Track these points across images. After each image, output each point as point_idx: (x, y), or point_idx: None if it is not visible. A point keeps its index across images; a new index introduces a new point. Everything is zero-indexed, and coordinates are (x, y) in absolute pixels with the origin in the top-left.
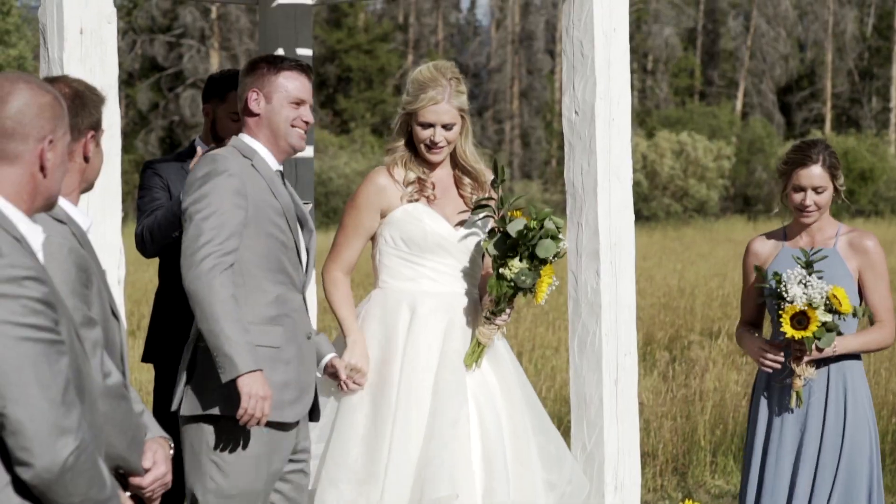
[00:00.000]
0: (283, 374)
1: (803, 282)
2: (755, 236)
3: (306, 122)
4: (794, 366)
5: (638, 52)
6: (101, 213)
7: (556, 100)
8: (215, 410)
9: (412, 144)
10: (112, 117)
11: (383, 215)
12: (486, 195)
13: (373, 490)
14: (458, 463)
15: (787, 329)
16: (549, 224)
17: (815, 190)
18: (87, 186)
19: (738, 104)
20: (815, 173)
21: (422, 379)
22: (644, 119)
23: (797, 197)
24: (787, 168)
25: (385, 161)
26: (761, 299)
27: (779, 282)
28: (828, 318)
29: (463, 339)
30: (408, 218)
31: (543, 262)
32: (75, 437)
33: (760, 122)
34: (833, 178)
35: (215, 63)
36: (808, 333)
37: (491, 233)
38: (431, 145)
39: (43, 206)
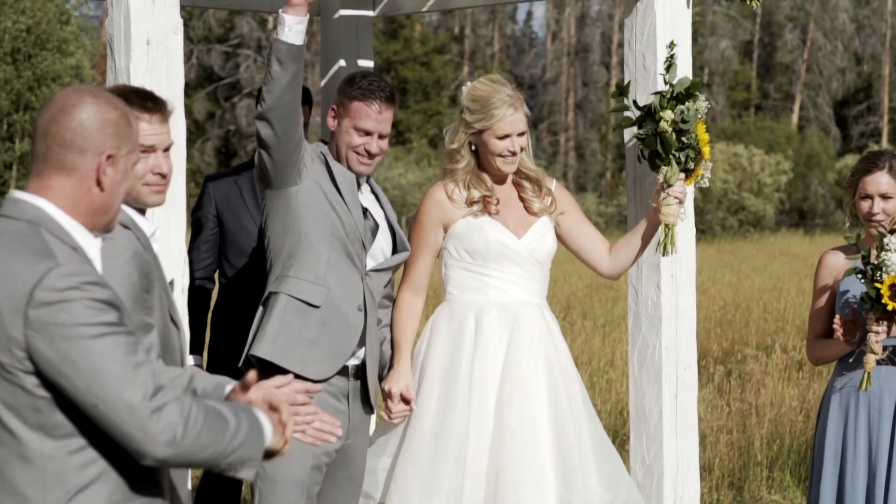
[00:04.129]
0: (315, 333)
1: None
2: (829, 249)
3: (368, 152)
4: (871, 341)
5: (694, 65)
6: (166, 220)
7: (611, 111)
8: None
9: (473, 162)
10: (178, 127)
11: (445, 229)
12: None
13: (444, 502)
14: (525, 476)
15: (888, 300)
16: (682, 78)
17: (883, 197)
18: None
19: (795, 117)
20: (881, 180)
21: (489, 393)
22: None
23: (865, 205)
24: (854, 178)
25: (445, 182)
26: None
27: (879, 248)
28: None
29: (528, 348)
30: (470, 229)
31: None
32: (172, 410)
33: (817, 135)
34: None
35: None
36: None
37: (629, 125)
38: (509, 155)
39: (102, 223)
